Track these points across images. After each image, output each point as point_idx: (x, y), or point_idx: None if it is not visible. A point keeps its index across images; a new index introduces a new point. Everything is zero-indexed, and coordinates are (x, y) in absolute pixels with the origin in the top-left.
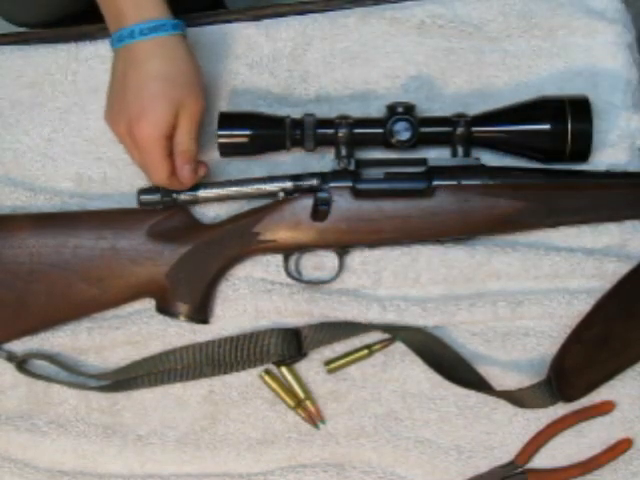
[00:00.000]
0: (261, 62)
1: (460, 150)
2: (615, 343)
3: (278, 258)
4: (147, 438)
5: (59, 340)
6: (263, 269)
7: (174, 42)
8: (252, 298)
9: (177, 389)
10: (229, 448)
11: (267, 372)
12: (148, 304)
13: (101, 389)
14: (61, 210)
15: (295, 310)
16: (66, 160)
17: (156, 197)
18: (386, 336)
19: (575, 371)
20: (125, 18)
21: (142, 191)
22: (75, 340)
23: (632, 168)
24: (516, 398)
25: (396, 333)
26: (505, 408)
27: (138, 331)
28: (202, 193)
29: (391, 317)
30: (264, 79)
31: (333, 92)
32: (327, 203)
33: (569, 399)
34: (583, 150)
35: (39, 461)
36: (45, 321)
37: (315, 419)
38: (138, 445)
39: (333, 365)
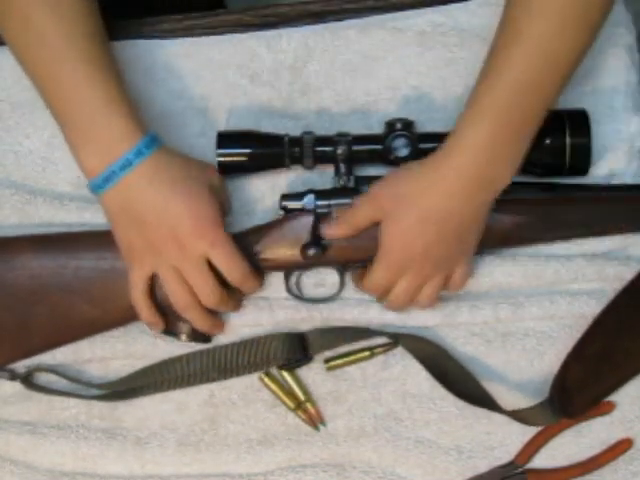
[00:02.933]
0: (262, 74)
1: None
2: (616, 357)
3: (277, 278)
4: (147, 441)
5: (60, 352)
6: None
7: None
8: (251, 311)
9: (177, 393)
10: (229, 450)
11: (267, 374)
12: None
13: (107, 398)
14: (61, 222)
15: (296, 318)
16: (66, 164)
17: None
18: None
19: (577, 388)
20: (123, 143)
21: (285, 197)
22: (77, 351)
23: (632, 171)
24: (520, 417)
25: (402, 340)
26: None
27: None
28: None
29: (391, 317)
30: (265, 92)
31: (334, 105)
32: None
33: (571, 416)
34: (582, 164)
35: (39, 463)
36: (47, 343)
37: (315, 421)
38: (138, 448)
39: (333, 363)
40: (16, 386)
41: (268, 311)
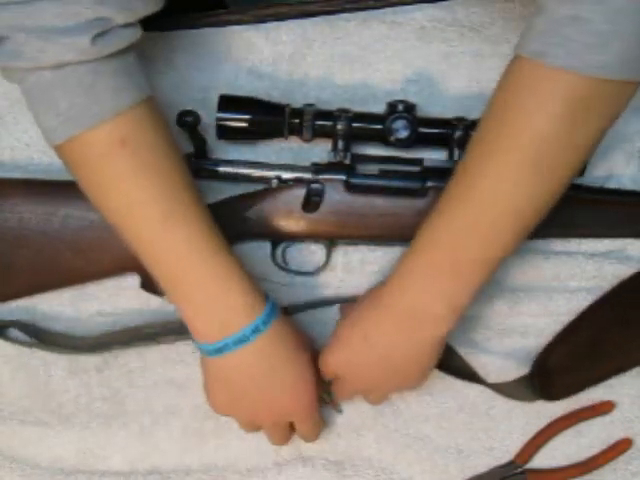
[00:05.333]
0: (261, 65)
1: (457, 153)
2: (603, 348)
3: (274, 268)
4: (150, 428)
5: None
6: (262, 272)
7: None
8: None
9: (179, 374)
10: (231, 435)
11: None
12: (145, 305)
13: (84, 351)
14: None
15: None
16: None
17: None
18: None
19: (558, 371)
20: (240, 318)
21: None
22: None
23: (630, 172)
24: (501, 389)
25: None
26: (505, 406)
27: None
28: (221, 169)
29: None
30: (264, 82)
31: (333, 96)
32: (319, 194)
33: (550, 398)
34: None
35: (41, 458)
36: (30, 286)
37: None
38: (141, 435)
39: None
40: (11, 374)
41: None
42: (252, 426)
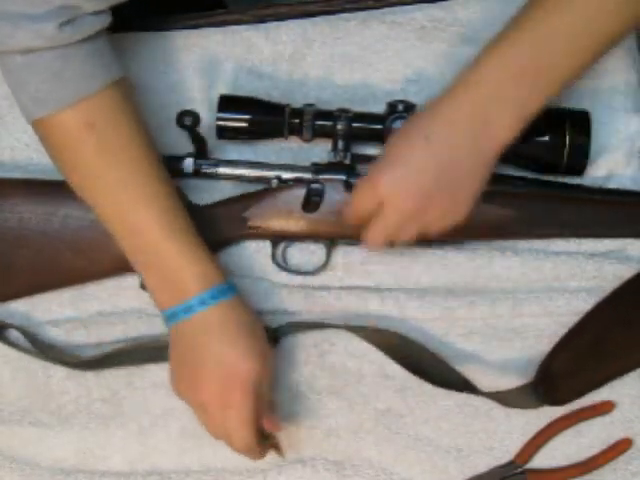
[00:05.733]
0: (261, 65)
1: None
2: (607, 349)
3: (273, 267)
4: (149, 428)
5: (53, 332)
6: (261, 272)
7: (236, 299)
8: (249, 301)
9: None
10: None
11: None
12: (145, 305)
13: (84, 365)
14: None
15: (295, 310)
16: None
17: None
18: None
19: (563, 376)
20: (190, 289)
21: (171, 158)
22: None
23: (631, 172)
24: (501, 399)
25: (363, 333)
26: (505, 407)
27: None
28: (221, 169)
29: (390, 310)
30: (264, 82)
31: (333, 96)
32: (319, 194)
33: (555, 403)
34: (579, 165)
35: (41, 458)
36: (30, 286)
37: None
38: (140, 436)
39: None
40: (11, 375)
41: (269, 300)
42: (201, 410)
